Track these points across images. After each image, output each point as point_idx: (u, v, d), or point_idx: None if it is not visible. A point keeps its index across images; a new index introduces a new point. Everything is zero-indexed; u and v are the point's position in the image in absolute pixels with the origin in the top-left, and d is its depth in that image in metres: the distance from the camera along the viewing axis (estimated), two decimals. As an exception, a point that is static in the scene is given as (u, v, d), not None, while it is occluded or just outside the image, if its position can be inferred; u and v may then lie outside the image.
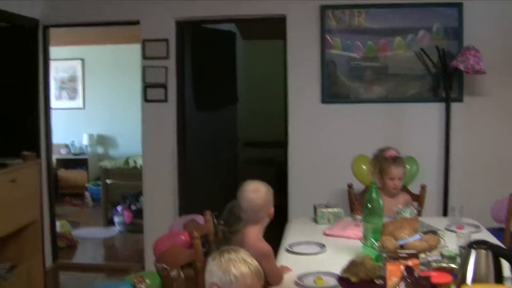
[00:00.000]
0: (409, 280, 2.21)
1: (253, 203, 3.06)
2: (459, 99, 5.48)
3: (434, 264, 2.88)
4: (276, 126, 6.68)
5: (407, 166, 4.81)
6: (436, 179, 5.47)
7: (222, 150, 6.80)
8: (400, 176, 4.37)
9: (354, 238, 3.78)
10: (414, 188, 4.87)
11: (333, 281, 2.94)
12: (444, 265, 2.86)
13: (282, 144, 5.90)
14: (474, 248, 2.63)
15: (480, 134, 5.53)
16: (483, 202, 4.99)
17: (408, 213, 3.90)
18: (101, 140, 10.27)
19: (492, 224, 4.55)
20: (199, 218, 3.93)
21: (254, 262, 2.36)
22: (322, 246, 3.59)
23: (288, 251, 3.54)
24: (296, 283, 2.94)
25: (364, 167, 4.95)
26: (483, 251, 2.61)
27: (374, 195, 3.29)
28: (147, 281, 2.65)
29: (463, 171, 5.53)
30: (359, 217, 4.29)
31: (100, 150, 10.33)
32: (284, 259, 3.38)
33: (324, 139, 5.63)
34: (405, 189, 4.81)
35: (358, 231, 3.83)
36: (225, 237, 3.70)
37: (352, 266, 2.66)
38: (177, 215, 5.84)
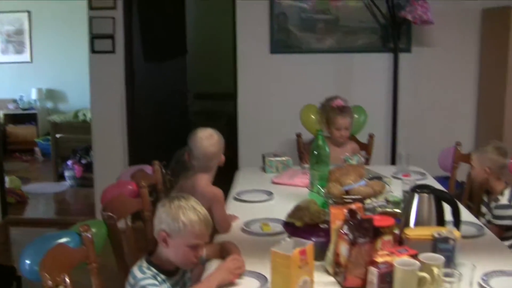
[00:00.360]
0: (351, 223, 2.24)
1: (207, 150, 3.05)
2: (407, 50, 5.52)
3: (379, 209, 2.93)
4: (226, 77, 6.63)
5: (355, 115, 4.85)
6: (384, 128, 5.54)
7: (172, 102, 6.74)
8: (347, 126, 4.39)
9: (301, 186, 3.82)
10: (362, 137, 4.92)
11: (279, 227, 2.98)
12: (388, 210, 2.92)
13: (232, 96, 5.87)
14: (417, 192, 2.68)
15: (427, 84, 5.61)
16: (430, 151, 5.09)
17: (355, 161, 3.95)
18: (50, 94, 10.03)
19: (439, 173, 4.64)
20: (148, 168, 3.92)
21: (203, 210, 2.36)
22: (270, 193, 3.62)
23: (236, 199, 3.56)
24: (243, 230, 2.96)
25: (312, 116, 4.97)
26: (425, 195, 2.67)
27: (320, 142, 3.31)
28: (93, 229, 2.62)
29: (410, 120, 5.61)
30: (307, 165, 4.32)
31: (49, 104, 10.08)
32: (232, 207, 3.41)
33: (274, 89, 5.62)
34: (353, 138, 4.85)
35: (305, 179, 3.85)
36: (173, 187, 3.67)
37: (297, 211, 2.68)
38: (127, 167, 5.80)
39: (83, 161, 7.83)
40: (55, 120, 8.43)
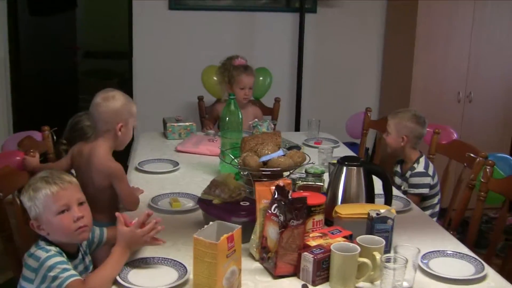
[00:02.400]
0: (282, 202, 1.95)
1: (108, 110, 2.65)
2: (313, 10, 5.27)
3: (299, 183, 2.66)
4: (119, 34, 6.15)
5: (260, 78, 4.59)
6: (288, 92, 5.29)
7: (60, 60, 6.18)
8: (251, 85, 4.16)
9: (208, 154, 3.53)
10: (267, 101, 4.66)
11: (191, 203, 2.68)
12: (309, 183, 2.66)
13: (126, 55, 5.43)
14: (345, 165, 2.43)
15: (332, 46, 5.40)
16: (336, 116, 4.91)
17: (265, 127, 3.66)
18: None
19: (345, 139, 4.45)
20: (36, 135, 3.48)
21: (53, 173, 2.09)
22: (175, 164, 3.29)
23: (138, 169, 3.21)
24: (150, 206, 2.62)
25: (214, 78, 4.66)
26: (354, 168, 2.43)
27: (232, 107, 3.02)
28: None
29: (315, 84, 5.40)
30: (211, 131, 4.03)
31: None
32: (134, 178, 3.06)
33: (172, 48, 5.20)
34: (257, 102, 4.60)
35: (212, 147, 3.58)
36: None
37: (214, 186, 2.36)
38: (11, 131, 5.26)
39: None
40: None
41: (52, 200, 2.00)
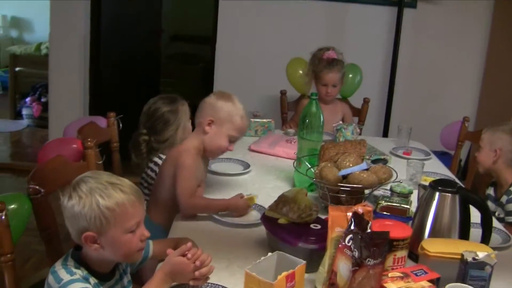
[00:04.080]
0: (359, 235, 1.61)
1: (208, 101, 2.50)
2: (413, 5, 4.85)
3: (383, 203, 2.30)
4: (204, 18, 5.90)
5: (350, 75, 4.22)
6: (378, 93, 4.89)
7: (143, 42, 5.96)
8: (335, 82, 3.83)
9: (284, 157, 3.21)
10: (356, 101, 4.29)
11: (257, 215, 2.37)
12: (395, 204, 2.29)
13: (209, 40, 5.16)
14: (439, 191, 2.06)
15: (431, 45, 4.95)
16: (428, 123, 4.50)
17: (349, 131, 3.31)
18: (15, 22, 9.18)
19: (435, 147, 4.02)
20: (101, 121, 3.25)
21: (125, 181, 1.73)
22: (246, 165, 2.98)
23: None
24: (211, 216, 2.33)
25: (300, 71, 4.33)
26: (449, 195, 2.06)
27: (314, 108, 2.66)
28: (13, 205, 1.98)
29: (409, 86, 4.97)
30: (291, 130, 3.72)
31: (14, 33, 9.26)
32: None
33: (258, 37, 4.91)
34: (345, 101, 4.24)
35: (289, 149, 3.26)
36: (152, 148, 3.00)
37: (281, 203, 2.03)
38: (86, 113, 5.10)
39: (43, 100, 7.06)
40: (15, 51, 7.65)
41: (129, 215, 1.69)
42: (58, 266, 1.72)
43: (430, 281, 1.73)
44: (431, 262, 1.82)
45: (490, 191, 3.07)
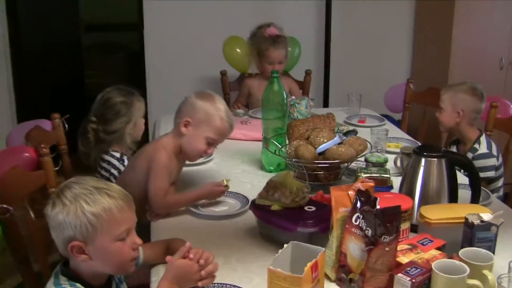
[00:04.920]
0: (373, 214, 1.55)
1: (189, 101, 2.32)
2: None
3: (362, 175, 2.26)
4: (126, 3, 5.65)
5: (288, 49, 4.15)
6: (315, 63, 4.84)
7: (62, 35, 5.69)
8: (281, 59, 3.72)
9: (242, 139, 3.13)
10: (297, 74, 4.24)
11: (237, 204, 2.29)
12: (375, 175, 2.26)
13: (135, 26, 4.98)
14: (424, 156, 2.03)
15: (362, 11, 4.93)
16: (367, 88, 4.47)
17: (303, 105, 3.24)
18: None
19: (379, 112, 4.02)
20: (45, 123, 3.08)
21: (112, 185, 1.61)
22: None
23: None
24: (189, 211, 2.24)
25: (238, 50, 4.25)
26: (435, 160, 2.03)
27: (276, 86, 2.58)
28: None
29: (343, 54, 4.94)
30: (240, 111, 3.63)
31: None
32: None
33: (188, 18, 4.72)
34: (287, 75, 4.17)
35: (246, 130, 3.19)
36: (99, 138, 2.85)
37: (271, 189, 1.95)
38: (14, 117, 4.81)
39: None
40: None
41: (116, 223, 1.56)
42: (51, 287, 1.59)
43: (437, 249, 1.70)
44: (433, 230, 1.79)
45: (453, 148, 3.10)
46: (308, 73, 4.21)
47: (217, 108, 2.28)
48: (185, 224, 2.17)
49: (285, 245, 1.52)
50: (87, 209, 1.52)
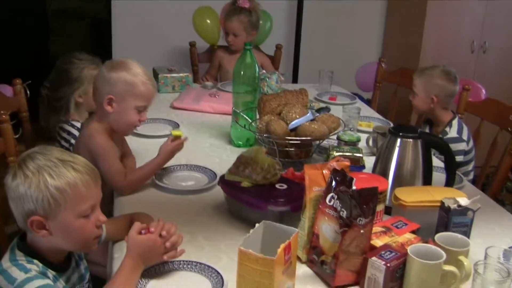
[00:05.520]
0: (348, 195, 1.49)
1: (101, 75, 2.13)
2: None
3: (334, 154, 2.20)
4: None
5: (260, 22, 4.06)
6: (286, 38, 4.75)
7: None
8: (235, 31, 3.66)
9: (210, 112, 3.05)
10: (267, 49, 4.15)
11: (204, 178, 2.21)
12: (347, 154, 2.20)
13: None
14: (400, 137, 1.98)
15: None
16: (341, 66, 4.41)
17: (273, 80, 3.15)
18: None
19: (352, 90, 3.96)
20: (6, 89, 2.95)
21: (78, 158, 1.52)
22: (175, 125, 2.79)
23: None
24: (154, 184, 2.15)
25: (208, 21, 4.14)
26: (410, 141, 1.97)
27: (248, 59, 2.49)
28: None
29: (315, 30, 4.85)
30: (209, 83, 3.54)
31: None
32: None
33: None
34: (257, 49, 4.08)
35: (214, 103, 3.11)
36: (50, 104, 2.73)
37: (242, 164, 1.87)
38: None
39: None
40: None
41: (82, 196, 1.47)
42: (7, 263, 1.48)
43: (411, 232, 1.65)
44: (408, 212, 1.74)
45: (426, 129, 3.07)
46: (278, 47, 4.13)
47: (135, 73, 2.10)
48: (149, 198, 2.08)
49: (256, 225, 1.45)
50: (50, 182, 1.43)
